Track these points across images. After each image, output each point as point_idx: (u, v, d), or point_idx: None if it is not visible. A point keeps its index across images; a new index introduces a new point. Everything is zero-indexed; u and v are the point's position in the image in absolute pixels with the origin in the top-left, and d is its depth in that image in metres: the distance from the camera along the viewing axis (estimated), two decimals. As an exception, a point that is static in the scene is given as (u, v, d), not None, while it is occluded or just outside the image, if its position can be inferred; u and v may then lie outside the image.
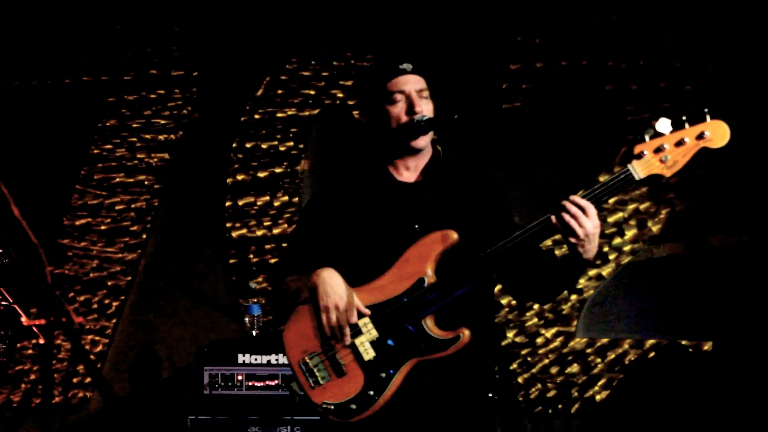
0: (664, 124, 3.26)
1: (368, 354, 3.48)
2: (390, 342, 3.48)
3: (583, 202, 3.27)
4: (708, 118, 3.24)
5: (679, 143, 3.24)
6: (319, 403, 3.52)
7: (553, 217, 3.30)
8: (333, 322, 3.46)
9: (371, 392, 3.46)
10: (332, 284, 3.49)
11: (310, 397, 3.55)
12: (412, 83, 3.64)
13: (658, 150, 3.25)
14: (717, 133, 3.23)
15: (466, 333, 3.40)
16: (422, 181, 3.72)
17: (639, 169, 3.27)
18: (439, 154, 3.78)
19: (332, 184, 3.85)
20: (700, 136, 3.23)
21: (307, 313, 3.56)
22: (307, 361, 3.56)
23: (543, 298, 3.80)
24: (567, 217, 3.26)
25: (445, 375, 3.50)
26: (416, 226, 3.57)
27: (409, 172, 3.73)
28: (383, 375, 3.45)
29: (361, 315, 3.50)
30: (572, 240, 3.29)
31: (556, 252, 3.67)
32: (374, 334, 3.49)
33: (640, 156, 3.27)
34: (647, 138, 3.27)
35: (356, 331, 3.50)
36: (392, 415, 3.48)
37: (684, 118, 3.26)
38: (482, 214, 3.62)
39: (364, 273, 3.57)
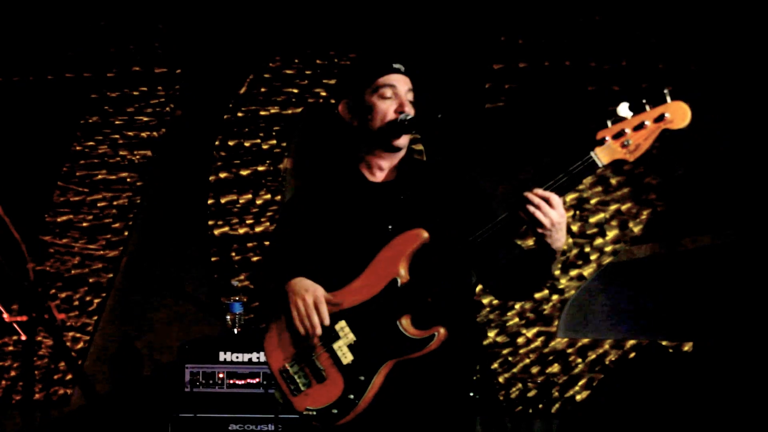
0: (624, 109, 3.22)
1: (346, 358, 3.48)
2: (367, 344, 3.47)
3: (545, 193, 3.25)
4: (668, 99, 3.19)
5: (639, 127, 3.19)
6: (302, 410, 3.52)
7: (520, 212, 3.29)
8: (302, 315, 3.46)
9: (351, 396, 3.45)
10: (300, 285, 3.51)
11: (293, 404, 3.55)
12: (402, 83, 3.65)
13: (619, 135, 3.20)
14: (677, 113, 3.16)
15: (441, 331, 3.39)
16: (394, 181, 3.71)
17: (601, 156, 3.23)
18: (412, 154, 3.79)
19: (308, 186, 3.85)
20: (660, 118, 3.17)
21: (285, 321, 3.56)
22: (288, 368, 3.56)
23: (522, 293, 3.79)
24: (531, 208, 3.24)
25: (424, 375, 3.50)
26: (389, 227, 3.56)
27: (382, 172, 3.72)
28: (362, 378, 3.45)
29: (337, 318, 3.50)
30: (539, 230, 3.26)
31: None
32: (351, 337, 3.49)
33: (602, 142, 3.23)
34: (609, 124, 3.24)
35: (334, 336, 3.50)
36: (374, 417, 3.48)
37: (644, 101, 3.22)
38: (456, 213, 3.61)
39: (339, 276, 3.56)
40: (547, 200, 3.25)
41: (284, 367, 3.57)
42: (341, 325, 3.51)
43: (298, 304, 3.47)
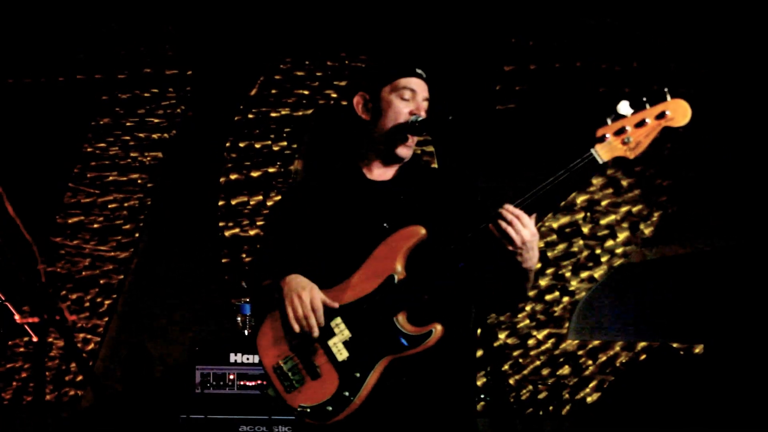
0: (624, 106, 3.21)
1: (342, 354, 3.45)
2: (363, 341, 3.44)
3: (516, 210, 3.23)
4: (668, 97, 3.18)
5: (640, 124, 3.18)
6: (296, 407, 3.48)
7: (490, 225, 3.27)
8: (299, 315, 3.41)
9: (346, 393, 3.42)
10: (296, 282, 3.47)
11: (286, 401, 3.52)
12: (421, 89, 3.67)
13: (620, 132, 3.19)
14: (678, 111, 3.16)
15: (438, 328, 3.35)
16: (392, 180, 3.71)
17: (602, 153, 3.21)
18: (414, 155, 3.79)
19: (304, 181, 3.85)
20: (661, 116, 3.17)
21: (279, 318, 3.53)
22: (281, 365, 3.52)
23: (498, 307, 3.77)
24: (503, 224, 3.24)
25: (420, 373, 3.47)
26: (385, 224, 3.55)
27: (381, 170, 3.72)
28: (358, 375, 3.42)
29: (332, 315, 3.48)
30: (510, 248, 3.25)
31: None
32: (347, 334, 3.46)
33: (602, 139, 3.21)
34: (609, 121, 3.22)
35: (329, 333, 3.47)
36: (370, 415, 3.45)
37: (644, 99, 3.21)
38: (451, 213, 3.59)
39: (335, 273, 3.54)
40: (518, 217, 3.23)
41: (278, 364, 3.52)
42: (337, 322, 3.48)
43: (294, 302, 3.43)
